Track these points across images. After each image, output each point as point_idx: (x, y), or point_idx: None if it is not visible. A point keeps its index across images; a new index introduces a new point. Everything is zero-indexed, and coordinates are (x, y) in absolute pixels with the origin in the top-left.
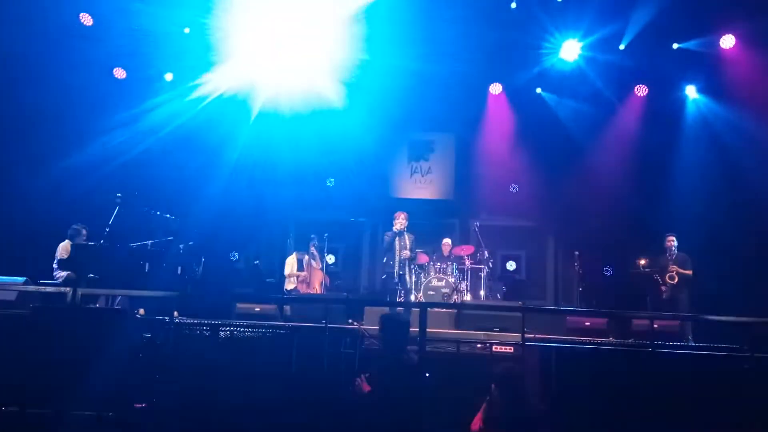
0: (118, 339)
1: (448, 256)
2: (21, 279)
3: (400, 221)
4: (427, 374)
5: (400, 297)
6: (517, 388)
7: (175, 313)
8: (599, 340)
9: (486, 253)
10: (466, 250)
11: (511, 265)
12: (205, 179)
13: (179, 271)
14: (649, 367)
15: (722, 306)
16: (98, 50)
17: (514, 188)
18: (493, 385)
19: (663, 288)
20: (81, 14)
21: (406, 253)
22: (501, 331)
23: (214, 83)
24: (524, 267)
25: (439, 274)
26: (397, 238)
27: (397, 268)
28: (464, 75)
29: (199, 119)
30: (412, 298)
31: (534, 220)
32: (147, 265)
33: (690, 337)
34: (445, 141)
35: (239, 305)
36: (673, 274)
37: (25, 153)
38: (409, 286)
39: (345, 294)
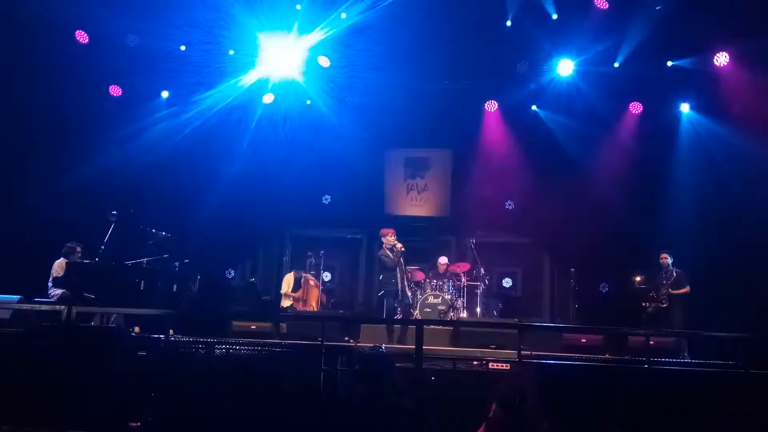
0: (113, 357)
1: (444, 274)
2: (16, 297)
3: (388, 238)
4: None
5: (398, 314)
6: (517, 406)
7: (171, 331)
8: (595, 356)
9: (482, 270)
10: (462, 267)
11: (507, 282)
12: (201, 197)
13: (175, 289)
14: (645, 383)
15: (717, 322)
16: (96, 67)
17: (509, 205)
18: (494, 404)
19: (653, 305)
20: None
21: (399, 246)
22: (497, 348)
23: (210, 101)
24: (520, 284)
25: (435, 291)
26: (392, 254)
27: (399, 286)
28: (460, 92)
29: (196, 137)
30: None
31: (530, 237)
32: (142, 282)
33: (686, 353)
34: (441, 158)
35: (235, 323)
36: (664, 297)
37: (20, 171)
38: (409, 302)
39: (341, 311)
